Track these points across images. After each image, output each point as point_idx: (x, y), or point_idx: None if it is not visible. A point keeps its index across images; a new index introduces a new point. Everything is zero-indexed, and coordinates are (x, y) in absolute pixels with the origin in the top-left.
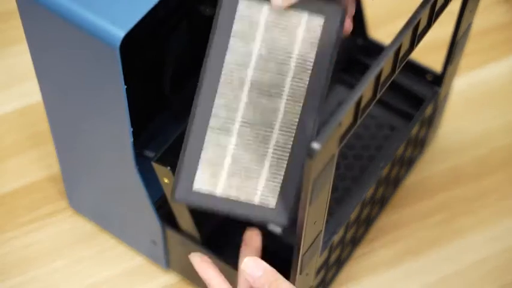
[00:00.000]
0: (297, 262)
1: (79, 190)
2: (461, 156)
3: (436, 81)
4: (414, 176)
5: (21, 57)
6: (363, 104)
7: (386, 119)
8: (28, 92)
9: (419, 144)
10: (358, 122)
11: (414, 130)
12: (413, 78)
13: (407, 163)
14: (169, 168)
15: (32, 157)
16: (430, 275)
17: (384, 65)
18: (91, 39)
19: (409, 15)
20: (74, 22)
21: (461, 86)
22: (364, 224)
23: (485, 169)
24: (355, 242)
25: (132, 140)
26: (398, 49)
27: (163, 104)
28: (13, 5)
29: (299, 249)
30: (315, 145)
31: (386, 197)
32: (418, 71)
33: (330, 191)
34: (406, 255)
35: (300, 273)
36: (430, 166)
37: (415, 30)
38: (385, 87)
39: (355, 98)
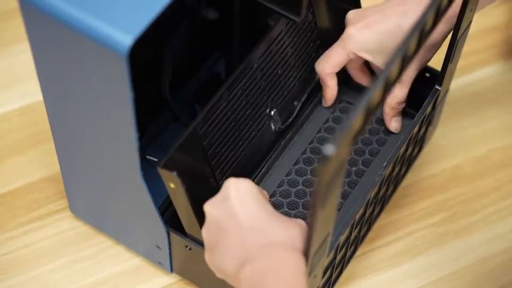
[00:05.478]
0: (307, 264)
1: (80, 195)
2: (461, 156)
3: (436, 80)
4: (414, 176)
5: (21, 57)
6: (371, 107)
7: None
8: (28, 92)
9: (419, 143)
10: (367, 125)
11: (415, 129)
12: None
13: (407, 163)
14: (175, 173)
15: (32, 157)
16: (430, 274)
17: (392, 67)
18: (98, 47)
19: None
20: (80, 30)
21: (461, 85)
22: (367, 224)
23: (485, 169)
24: (358, 242)
25: (137, 145)
26: (406, 51)
27: (163, 105)
28: (13, 4)
29: (308, 251)
30: (328, 150)
31: (387, 197)
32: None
33: (340, 194)
34: (406, 255)
35: (309, 275)
36: (429, 166)
37: (422, 32)
38: (392, 88)
39: (366, 102)
